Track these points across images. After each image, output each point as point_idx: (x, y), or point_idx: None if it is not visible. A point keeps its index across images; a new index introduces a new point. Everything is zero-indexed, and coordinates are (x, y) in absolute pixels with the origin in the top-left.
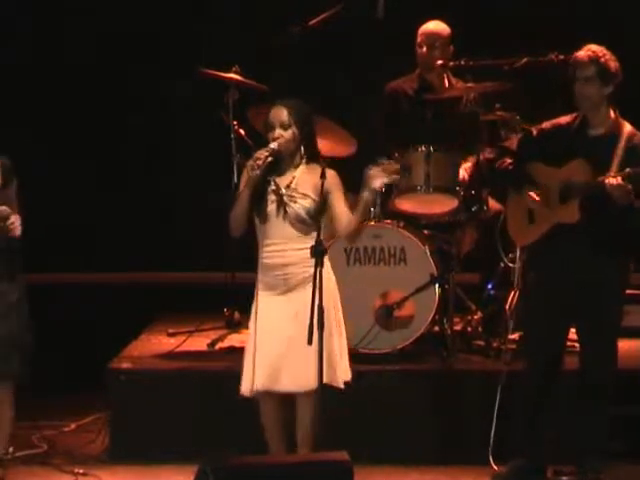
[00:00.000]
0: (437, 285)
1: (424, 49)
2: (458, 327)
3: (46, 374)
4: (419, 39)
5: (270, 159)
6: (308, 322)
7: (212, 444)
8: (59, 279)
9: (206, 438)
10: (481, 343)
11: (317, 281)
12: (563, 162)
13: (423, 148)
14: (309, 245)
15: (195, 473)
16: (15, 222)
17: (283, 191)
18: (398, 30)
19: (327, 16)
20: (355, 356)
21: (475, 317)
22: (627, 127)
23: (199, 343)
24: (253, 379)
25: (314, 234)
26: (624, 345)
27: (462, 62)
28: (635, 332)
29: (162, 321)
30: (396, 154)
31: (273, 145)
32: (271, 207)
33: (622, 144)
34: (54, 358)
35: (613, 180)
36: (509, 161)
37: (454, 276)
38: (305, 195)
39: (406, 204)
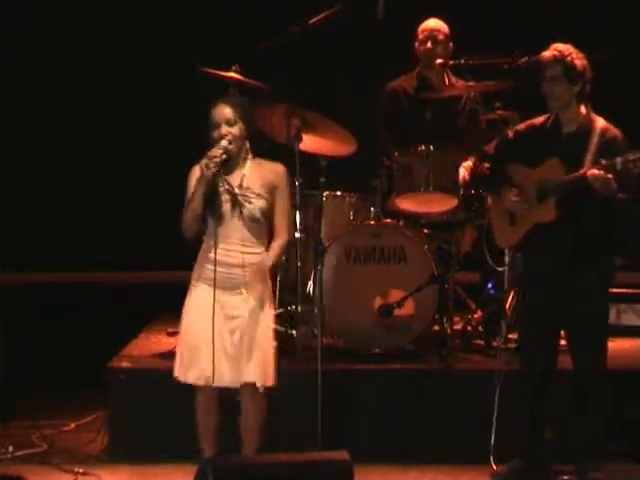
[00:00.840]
0: (437, 284)
1: (428, 44)
2: (458, 326)
3: (46, 374)
4: (421, 36)
5: (224, 157)
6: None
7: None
8: (59, 279)
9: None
10: (481, 342)
11: (317, 280)
12: (539, 162)
13: (423, 147)
14: (257, 251)
15: (195, 472)
16: None
17: (237, 191)
18: (398, 30)
19: (327, 16)
20: (355, 355)
21: (475, 316)
22: (600, 122)
23: None
24: (186, 367)
25: (264, 239)
26: (624, 345)
27: (462, 61)
28: (635, 332)
29: (161, 320)
30: (396, 153)
31: (224, 143)
32: (225, 207)
33: (595, 140)
34: (54, 358)
35: (595, 171)
36: (487, 165)
37: (454, 275)
38: (259, 195)
39: (406, 203)
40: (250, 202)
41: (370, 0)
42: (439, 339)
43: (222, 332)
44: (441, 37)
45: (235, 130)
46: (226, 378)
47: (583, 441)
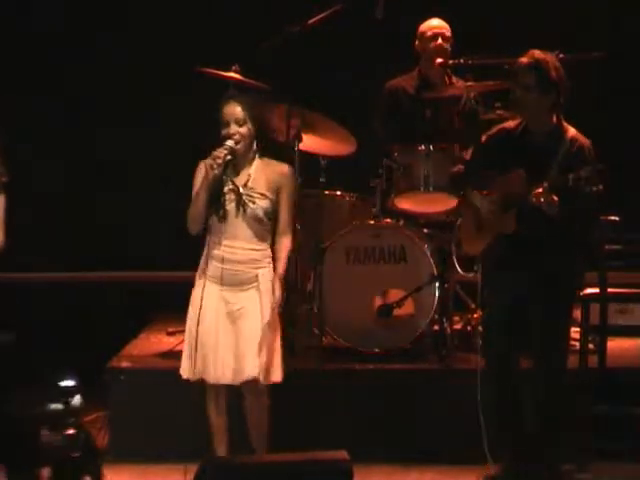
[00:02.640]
0: (437, 284)
1: (439, 41)
2: (458, 326)
3: (45, 373)
4: (430, 33)
5: (229, 157)
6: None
7: (212, 443)
8: (60, 279)
9: (206, 437)
10: (481, 342)
11: (317, 280)
12: (506, 170)
13: (423, 147)
14: (261, 248)
15: (195, 472)
16: None
17: (242, 190)
18: (397, 30)
19: (326, 16)
20: (355, 355)
21: (475, 316)
22: (570, 131)
23: None
24: (194, 364)
25: (268, 237)
26: (622, 344)
27: (462, 61)
28: (635, 332)
29: (162, 320)
30: (395, 153)
31: (230, 143)
32: (230, 206)
33: (564, 149)
34: (53, 357)
35: (538, 191)
36: (460, 167)
37: (454, 275)
38: (263, 195)
39: (406, 203)
40: (254, 202)
41: (370, 0)
42: (439, 339)
43: (226, 329)
44: (448, 35)
45: (243, 130)
46: (229, 375)
47: (559, 440)
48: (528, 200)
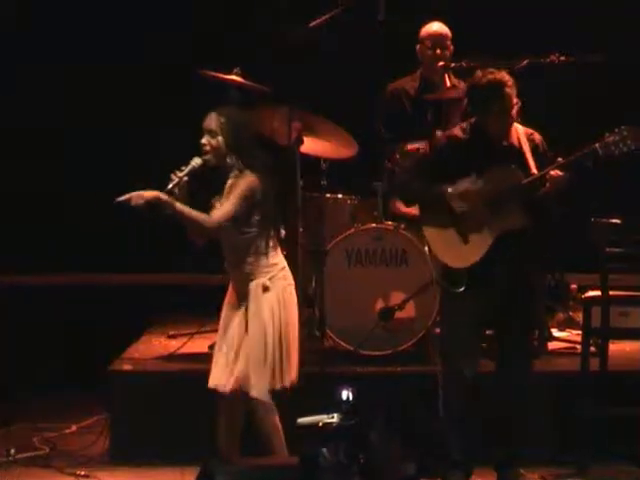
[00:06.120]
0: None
1: (437, 51)
2: None
3: (47, 375)
4: (428, 42)
5: (186, 179)
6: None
7: (213, 446)
8: (61, 280)
9: (207, 440)
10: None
11: (319, 283)
12: (476, 173)
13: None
14: (250, 260)
15: (196, 475)
16: None
17: (217, 205)
18: (399, 32)
19: (328, 18)
20: (356, 358)
21: None
22: (519, 128)
23: (200, 345)
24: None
25: (254, 246)
26: (624, 347)
27: (464, 63)
28: (637, 334)
29: (163, 323)
30: (397, 155)
31: (195, 162)
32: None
33: (524, 146)
34: (55, 359)
35: (555, 172)
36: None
37: None
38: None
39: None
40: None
41: (371, 2)
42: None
43: (233, 337)
44: (448, 42)
45: (214, 142)
46: (227, 384)
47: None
48: (529, 189)
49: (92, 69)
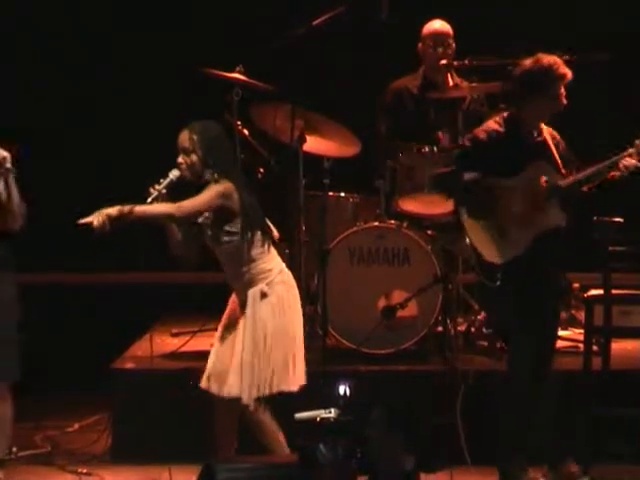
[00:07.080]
0: (440, 285)
1: (439, 50)
2: (461, 327)
3: (49, 374)
4: (429, 41)
5: (164, 191)
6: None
7: (215, 444)
8: (62, 279)
9: (209, 438)
10: (484, 343)
11: (321, 281)
12: (517, 168)
13: (426, 148)
14: (243, 270)
15: (198, 473)
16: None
17: (200, 220)
18: (401, 30)
19: (330, 17)
20: (358, 356)
21: (479, 317)
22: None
23: (203, 343)
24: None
25: (245, 254)
26: (626, 346)
27: (466, 62)
28: (638, 332)
29: (166, 321)
30: (399, 154)
31: (172, 175)
32: (204, 236)
33: (551, 143)
34: (57, 358)
35: (628, 158)
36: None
37: (457, 276)
38: (208, 218)
39: (410, 204)
40: (209, 229)
41: (373, 1)
42: (442, 340)
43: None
44: (449, 41)
45: (190, 159)
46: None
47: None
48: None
49: (92, 69)
